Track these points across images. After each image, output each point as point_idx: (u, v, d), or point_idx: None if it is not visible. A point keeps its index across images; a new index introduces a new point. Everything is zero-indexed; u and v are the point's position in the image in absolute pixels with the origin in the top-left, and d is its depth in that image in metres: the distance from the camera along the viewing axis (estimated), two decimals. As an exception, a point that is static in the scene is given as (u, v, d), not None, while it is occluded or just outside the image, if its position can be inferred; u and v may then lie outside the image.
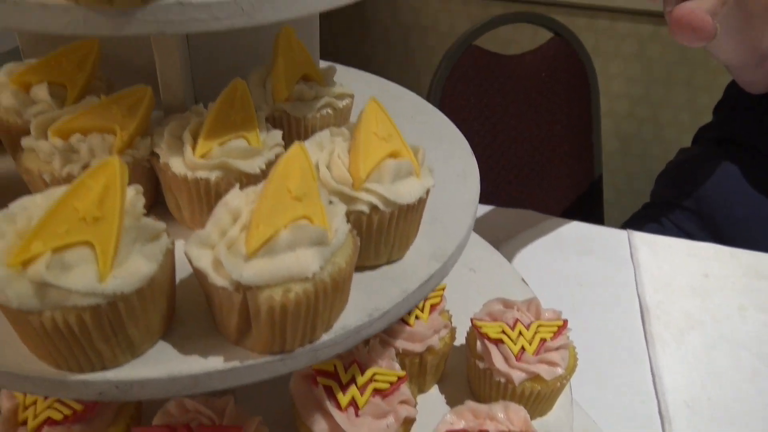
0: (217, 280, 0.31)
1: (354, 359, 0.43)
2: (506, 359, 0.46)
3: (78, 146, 0.38)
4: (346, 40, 1.93)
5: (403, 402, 0.42)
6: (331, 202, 0.35)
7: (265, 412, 0.45)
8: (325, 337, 0.34)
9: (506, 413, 0.44)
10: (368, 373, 0.43)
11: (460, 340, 0.53)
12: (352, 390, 0.42)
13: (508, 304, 0.50)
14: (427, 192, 0.39)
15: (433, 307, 0.50)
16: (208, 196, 0.38)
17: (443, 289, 0.52)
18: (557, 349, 0.47)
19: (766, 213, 0.95)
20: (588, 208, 1.33)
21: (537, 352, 0.46)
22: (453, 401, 0.51)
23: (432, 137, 0.53)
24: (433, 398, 0.51)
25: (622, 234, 0.92)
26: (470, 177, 0.48)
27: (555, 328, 0.48)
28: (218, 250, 0.31)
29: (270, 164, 0.39)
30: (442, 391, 0.52)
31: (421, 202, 0.39)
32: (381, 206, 0.36)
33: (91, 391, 0.32)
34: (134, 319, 0.31)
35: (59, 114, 0.40)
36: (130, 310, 0.30)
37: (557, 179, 1.31)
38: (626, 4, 1.62)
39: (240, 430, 0.40)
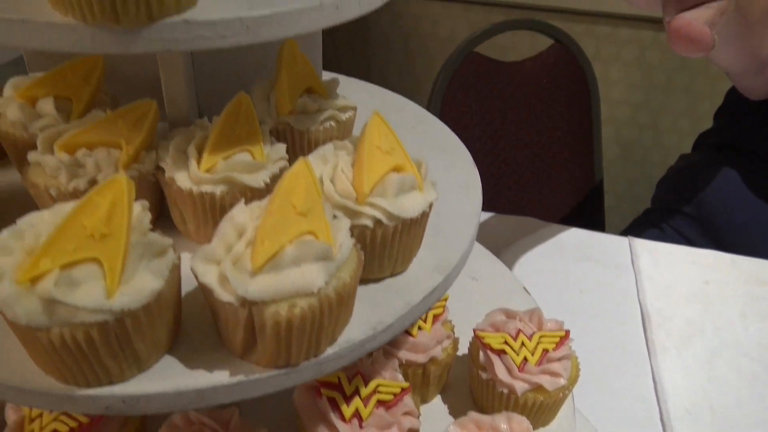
0: (223, 295, 0.31)
1: (357, 371, 0.44)
2: (509, 370, 0.47)
3: (84, 161, 0.38)
4: (347, 46, 1.94)
5: (406, 413, 0.43)
6: (335, 217, 0.36)
7: (269, 423, 0.45)
8: (330, 351, 0.35)
9: (509, 424, 0.44)
10: (372, 384, 0.43)
11: (463, 350, 0.53)
12: (356, 402, 0.42)
13: (510, 315, 0.51)
14: (430, 206, 0.39)
15: (435, 317, 0.50)
16: (213, 210, 0.38)
17: (446, 300, 0.52)
18: (559, 359, 0.47)
19: (767, 219, 0.95)
20: (589, 213, 1.33)
21: (539, 363, 0.47)
22: (456, 411, 0.51)
23: (434, 148, 0.53)
24: (436, 408, 0.51)
25: (623, 241, 0.93)
26: (472, 189, 0.48)
27: (557, 339, 0.48)
28: (224, 265, 0.31)
29: (274, 178, 0.39)
30: (445, 401, 0.52)
31: (424, 216, 0.39)
32: (385, 220, 0.37)
33: (98, 406, 0.32)
34: (141, 335, 0.31)
35: (65, 128, 0.40)
36: (137, 326, 0.31)
37: (558, 185, 1.31)
38: (626, 10, 1.62)
39: (245, 442, 0.40)
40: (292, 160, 0.43)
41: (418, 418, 0.44)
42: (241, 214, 0.34)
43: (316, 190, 0.34)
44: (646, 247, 0.91)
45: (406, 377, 0.47)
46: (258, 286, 0.31)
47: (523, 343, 0.48)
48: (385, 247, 0.38)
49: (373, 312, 0.37)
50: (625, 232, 1.07)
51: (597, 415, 0.65)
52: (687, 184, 1.05)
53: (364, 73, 1.99)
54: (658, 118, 1.81)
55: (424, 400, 0.51)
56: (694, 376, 0.72)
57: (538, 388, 0.46)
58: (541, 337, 0.48)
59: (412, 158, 0.40)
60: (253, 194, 0.38)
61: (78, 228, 0.30)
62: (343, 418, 0.41)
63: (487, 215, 0.95)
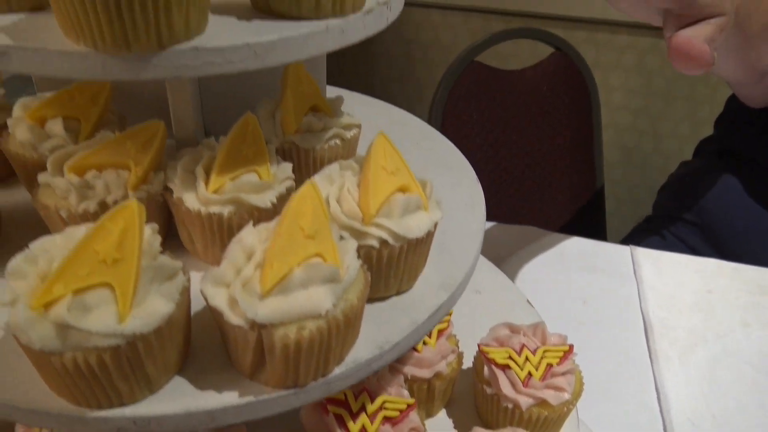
0: (233, 319, 0.31)
1: (364, 387, 0.44)
2: (513, 385, 0.47)
3: (94, 183, 0.39)
4: (349, 55, 1.94)
5: (412, 429, 0.43)
6: (342, 238, 0.36)
7: (276, 439, 0.45)
8: (338, 371, 0.35)
9: (514, 438, 0.44)
10: (378, 401, 0.43)
11: (467, 363, 0.54)
12: (363, 418, 0.42)
13: (514, 329, 0.51)
14: (435, 225, 0.40)
15: (440, 332, 0.50)
16: (221, 230, 0.39)
17: (450, 314, 0.52)
18: (563, 374, 0.48)
19: (767, 226, 0.96)
20: (590, 220, 1.34)
21: (544, 378, 0.47)
22: (461, 425, 0.51)
23: (438, 164, 0.54)
24: (441, 423, 0.52)
25: (625, 250, 0.93)
26: (477, 206, 0.49)
27: (561, 353, 0.48)
28: (233, 288, 0.32)
29: (281, 198, 0.40)
30: (450, 415, 0.52)
31: (430, 235, 0.40)
32: (391, 241, 0.37)
33: (109, 427, 0.33)
34: (152, 357, 0.32)
35: (75, 150, 0.41)
36: (149, 349, 0.31)
37: (559, 192, 1.32)
38: (626, 17, 1.63)
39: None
40: (298, 178, 0.43)
41: (423, 433, 0.44)
42: (250, 236, 0.34)
43: (323, 213, 0.35)
44: (648, 256, 0.92)
45: (411, 392, 0.48)
46: (267, 310, 0.31)
47: (527, 358, 0.48)
48: (390, 266, 0.38)
49: (379, 331, 0.38)
50: (627, 239, 1.07)
51: (600, 424, 0.66)
52: (688, 191, 1.05)
53: (367, 81, 2.00)
54: (659, 123, 1.81)
55: (429, 414, 0.52)
56: (696, 384, 0.72)
57: (542, 402, 0.47)
58: (545, 351, 0.48)
59: (417, 178, 0.40)
60: (260, 214, 0.39)
61: (90, 253, 0.30)
62: (349, 434, 0.42)
63: (488, 224, 0.96)
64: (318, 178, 0.40)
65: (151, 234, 0.33)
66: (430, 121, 1.16)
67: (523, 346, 0.49)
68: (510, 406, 0.47)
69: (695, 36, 0.45)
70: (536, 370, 0.47)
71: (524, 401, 0.46)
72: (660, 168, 1.84)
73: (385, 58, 1.93)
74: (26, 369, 0.33)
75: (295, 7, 0.35)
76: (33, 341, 0.29)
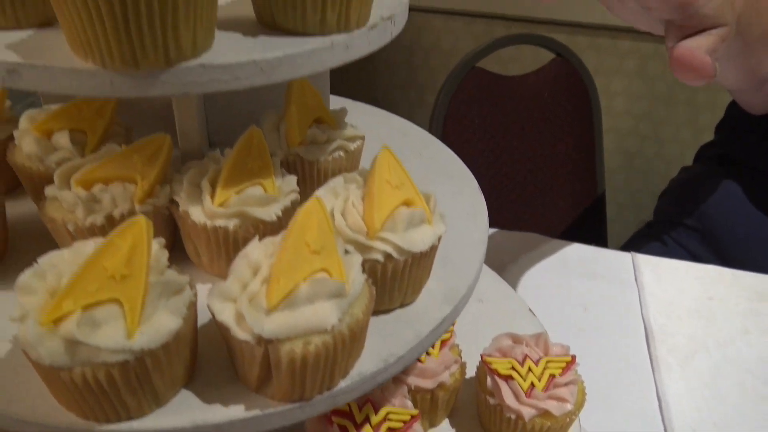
0: (240, 334, 0.32)
1: (368, 398, 0.44)
2: (516, 395, 0.47)
3: (100, 196, 0.39)
4: (351, 61, 1.94)
5: (416, 440, 0.43)
6: (347, 252, 0.36)
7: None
8: (343, 384, 0.35)
9: (517, 449, 0.45)
10: (382, 412, 0.44)
11: (470, 372, 0.54)
12: (367, 430, 0.43)
13: (517, 340, 0.51)
14: (439, 238, 0.40)
15: (443, 342, 0.51)
16: (227, 243, 0.39)
17: (453, 324, 0.53)
18: (566, 384, 0.48)
19: (767, 233, 0.96)
20: (591, 225, 1.34)
21: (546, 389, 0.47)
22: (463, 435, 0.51)
23: (440, 174, 0.54)
24: (444, 432, 0.52)
25: (626, 256, 0.93)
26: (479, 215, 0.49)
27: (563, 364, 0.49)
28: (240, 303, 0.32)
29: (286, 211, 0.40)
30: (453, 424, 0.52)
31: (433, 249, 0.40)
32: (395, 255, 0.37)
33: (117, 441, 0.33)
34: (160, 372, 0.32)
35: (81, 163, 0.41)
36: (157, 364, 0.31)
37: (560, 198, 1.32)
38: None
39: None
40: (302, 190, 0.44)
41: (427, 444, 0.44)
42: (255, 250, 0.35)
43: (328, 228, 0.35)
44: (648, 263, 0.92)
45: (414, 402, 0.48)
46: (273, 325, 0.31)
47: (530, 369, 0.48)
48: (395, 280, 0.39)
49: (384, 343, 0.38)
50: (628, 245, 1.08)
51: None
52: (689, 197, 1.05)
53: (368, 87, 2.00)
54: (660, 129, 1.82)
55: (433, 424, 0.52)
56: (697, 393, 0.73)
57: (545, 413, 0.47)
58: (547, 362, 0.49)
59: (421, 191, 0.41)
60: (265, 227, 0.39)
61: (99, 269, 0.30)
62: (353, 445, 0.42)
63: (490, 231, 0.96)
64: (322, 192, 0.40)
65: (158, 249, 0.33)
66: (431, 127, 1.16)
67: (525, 356, 0.49)
68: (513, 416, 0.47)
69: (697, 47, 0.46)
70: (539, 380, 0.48)
71: (527, 412, 0.47)
72: (662, 173, 1.84)
73: (387, 64, 1.94)
74: (35, 383, 0.33)
75: (300, 23, 0.35)
76: (42, 357, 0.29)
